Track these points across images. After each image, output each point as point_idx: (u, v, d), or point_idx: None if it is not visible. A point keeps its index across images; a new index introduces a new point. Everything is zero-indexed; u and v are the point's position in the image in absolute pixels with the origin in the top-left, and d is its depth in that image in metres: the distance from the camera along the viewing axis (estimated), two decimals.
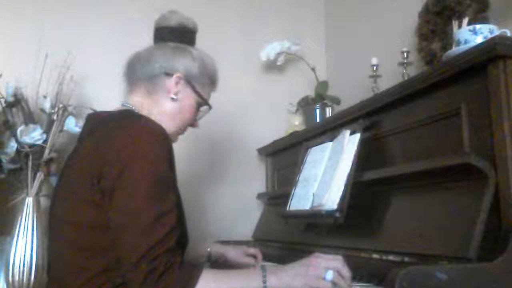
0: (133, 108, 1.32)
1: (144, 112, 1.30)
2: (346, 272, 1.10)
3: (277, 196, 2.17)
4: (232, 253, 1.68)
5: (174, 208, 1.14)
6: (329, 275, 1.07)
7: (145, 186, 1.09)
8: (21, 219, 1.85)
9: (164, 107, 1.32)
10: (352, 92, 2.11)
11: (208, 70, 1.38)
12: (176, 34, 1.37)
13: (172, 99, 1.32)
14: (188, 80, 1.34)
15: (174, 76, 1.32)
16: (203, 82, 1.37)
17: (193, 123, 1.41)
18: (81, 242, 1.16)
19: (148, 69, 1.33)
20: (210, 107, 1.41)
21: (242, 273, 1.23)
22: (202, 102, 1.38)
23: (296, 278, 1.10)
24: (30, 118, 1.90)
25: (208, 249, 1.69)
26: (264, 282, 1.10)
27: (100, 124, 1.26)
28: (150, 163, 1.12)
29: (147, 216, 1.08)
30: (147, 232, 1.07)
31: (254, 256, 1.69)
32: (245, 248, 1.72)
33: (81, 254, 1.15)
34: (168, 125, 1.29)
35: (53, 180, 1.87)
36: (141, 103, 1.32)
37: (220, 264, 1.74)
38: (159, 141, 1.15)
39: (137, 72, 1.35)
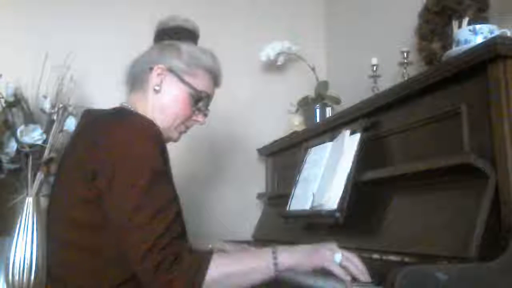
0: (129, 106, 1.32)
1: (139, 110, 1.31)
2: (356, 259, 1.12)
3: (277, 196, 2.17)
4: (233, 251, 1.69)
5: (174, 198, 1.15)
6: (337, 257, 1.10)
7: (142, 181, 1.09)
8: (21, 219, 1.85)
9: (153, 102, 1.32)
10: (352, 92, 2.11)
11: (201, 61, 1.35)
12: (171, 34, 1.38)
13: (155, 90, 1.31)
14: (172, 70, 1.32)
15: (155, 67, 1.32)
16: (194, 72, 1.33)
17: (193, 117, 1.37)
18: (78, 241, 1.16)
19: (137, 68, 1.36)
20: (202, 96, 1.35)
21: (253, 252, 1.25)
22: (195, 92, 1.33)
23: (306, 256, 1.12)
24: (30, 118, 1.90)
25: (210, 246, 1.69)
26: (275, 258, 1.11)
27: (93, 122, 1.26)
28: (143, 158, 1.12)
29: (148, 210, 1.08)
30: (151, 225, 1.07)
31: None
32: (246, 247, 1.74)
33: (79, 253, 1.15)
34: (161, 120, 1.30)
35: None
36: (135, 101, 1.34)
37: None
38: (150, 136, 1.15)
39: (130, 73, 1.38)
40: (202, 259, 1.08)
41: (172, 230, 1.09)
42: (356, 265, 1.11)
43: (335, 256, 1.10)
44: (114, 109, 1.32)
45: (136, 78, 1.35)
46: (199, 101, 1.35)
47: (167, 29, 1.39)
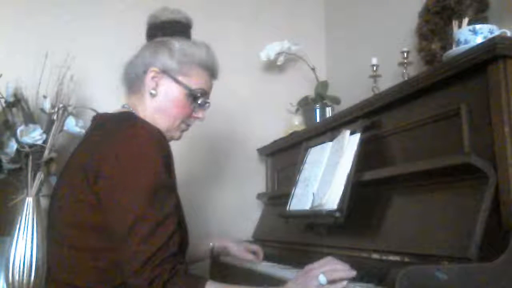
0: (131, 109, 1.32)
1: (140, 113, 1.31)
2: (337, 265, 1.12)
3: (277, 196, 2.17)
4: (234, 247, 1.70)
5: (174, 212, 1.14)
6: (322, 278, 1.10)
7: (143, 193, 1.09)
8: (21, 219, 1.85)
9: (150, 104, 1.31)
10: (352, 92, 2.11)
11: (195, 58, 1.32)
12: (164, 29, 1.36)
13: (151, 94, 1.30)
14: (166, 72, 1.30)
15: (149, 71, 1.31)
16: (187, 71, 1.32)
17: (193, 115, 1.36)
18: (78, 243, 1.15)
19: (132, 71, 1.34)
20: (197, 95, 1.33)
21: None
22: (190, 92, 1.32)
23: None
24: (30, 118, 1.90)
25: (211, 244, 1.69)
26: None
27: (100, 126, 1.26)
28: (147, 168, 1.11)
29: (147, 223, 1.07)
30: (148, 239, 1.06)
31: (255, 253, 1.70)
32: (247, 244, 1.74)
33: (79, 255, 1.15)
34: (161, 122, 1.30)
35: (53, 180, 1.87)
36: (135, 104, 1.33)
37: (221, 263, 1.75)
38: (155, 144, 1.15)
39: (127, 76, 1.36)
40: (197, 283, 1.08)
41: (170, 245, 1.08)
42: (339, 269, 1.12)
43: (320, 280, 1.10)
44: (119, 114, 1.30)
45: (132, 82, 1.34)
46: (196, 99, 1.34)
47: (159, 23, 1.37)
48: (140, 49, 1.37)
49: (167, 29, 1.36)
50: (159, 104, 1.31)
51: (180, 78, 1.31)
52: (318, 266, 1.13)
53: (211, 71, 1.38)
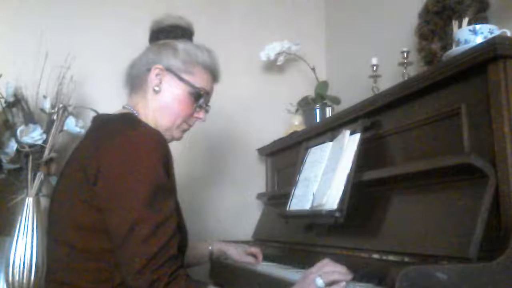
0: (132, 109, 1.32)
1: (141, 112, 1.31)
2: (336, 267, 1.12)
3: (277, 196, 2.17)
4: (234, 251, 1.70)
5: (173, 214, 1.14)
6: (319, 281, 1.10)
7: (142, 194, 1.08)
8: (21, 219, 1.85)
9: (153, 102, 1.32)
10: (352, 92, 2.11)
11: (198, 58, 1.34)
12: (167, 33, 1.37)
13: (155, 90, 1.31)
14: (170, 70, 1.32)
15: (153, 68, 1.31)
16: (191, 70, 1.33)
17: (194, 115, 1.37)
18: (78, 243, 1.15)
19: (135, 69, 1.35)
20: (202, 93, 1.34)
21: None
22: (194, 90, 1.33)
23: None
24: (30, 118, 1.90)
25: (210, 247, 1.69)
26: None
27: (100, 127, 1.26)
28: (146, 170, 1.11)
29: (147, 225, 1.07)
30: (148, 240, 1.06)
31: (255, 256, 1.70)
32: (246, 246, 1.74)
33: (78, 255, 1.15)
34: (163, 121, 1.31)
35: (53, 180, 1.87)
36: (137, 103, 1.33)
37: (221, 262, 1.75)
38: (155, 146, 1.14)
39: (129, 75, 1.37)
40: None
41: (170, 247, 1.08)
42: (337, 271, 1.12)
43: (317, 282, 1.09)
44: (120, 115, 1.31)
45: (135, 80, 1.35)
46: (199, 98, 1.35)
47: (162, 28, 1.38)
48: (142, 51, 1.38)
49: (170, 33, 1.37)
50: (162, 101, 1.32)
51: (184, 76, 1.32)
52: (315, 270, 1.13)
53: (213, 74, 1.39)
